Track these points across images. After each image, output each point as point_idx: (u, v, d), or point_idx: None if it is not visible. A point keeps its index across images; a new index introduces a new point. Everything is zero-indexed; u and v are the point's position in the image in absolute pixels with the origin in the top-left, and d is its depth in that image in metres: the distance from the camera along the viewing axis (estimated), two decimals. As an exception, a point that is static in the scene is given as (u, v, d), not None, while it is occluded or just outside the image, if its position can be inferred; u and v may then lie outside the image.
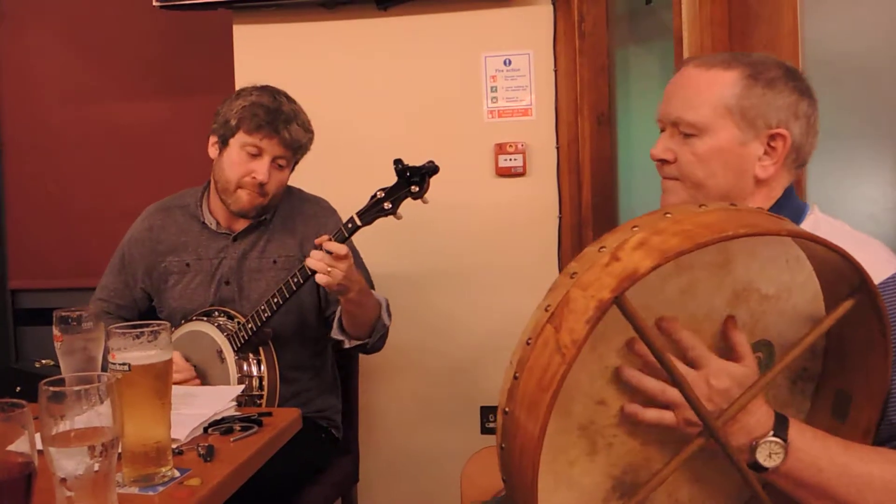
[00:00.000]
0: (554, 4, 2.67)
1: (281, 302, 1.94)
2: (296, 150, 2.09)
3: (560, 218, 2.72)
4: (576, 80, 2.66)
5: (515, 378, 0.91)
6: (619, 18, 2.75)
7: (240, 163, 2.05)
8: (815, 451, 0.99)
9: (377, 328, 2.06)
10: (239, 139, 2.05)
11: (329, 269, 1.82)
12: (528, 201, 2.73)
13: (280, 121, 2.03)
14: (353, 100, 2.77)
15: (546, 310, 0.90)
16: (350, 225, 1.89)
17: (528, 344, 0.90)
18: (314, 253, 1.85)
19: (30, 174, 3.37)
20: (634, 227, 0.92)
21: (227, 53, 2.81)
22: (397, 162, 1.86)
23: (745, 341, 0.98)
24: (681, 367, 0.95)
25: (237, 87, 2.76)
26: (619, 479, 1.00)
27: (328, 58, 2.78)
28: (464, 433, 2.76)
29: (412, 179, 1.84)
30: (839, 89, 1.78)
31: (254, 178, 2.03)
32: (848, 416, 1.05)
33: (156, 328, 1.27)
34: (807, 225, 1.26)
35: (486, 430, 2.76)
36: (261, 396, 1.98)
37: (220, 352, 2.00)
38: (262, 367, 2.00)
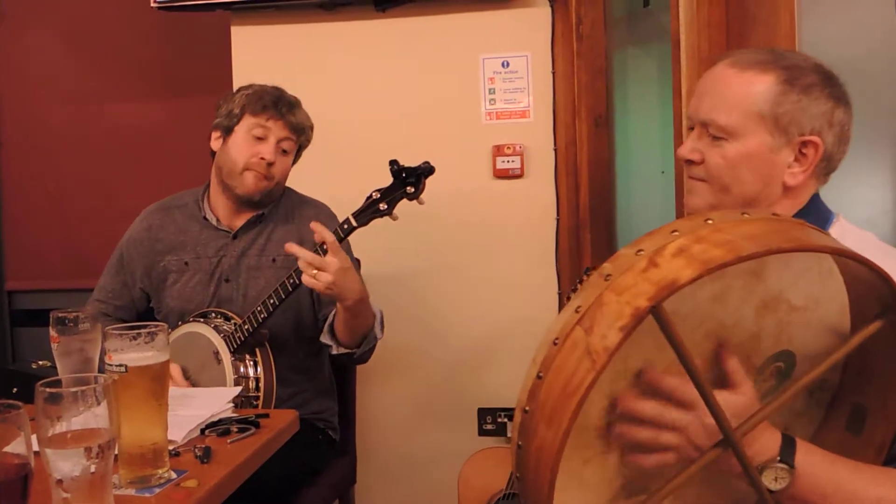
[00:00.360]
0: (552, 6, 2.67)
1: (277, 303, 1.93)
2: (299, 133, 2.12)
3: (558, 220, 2.72)
4: (574, 82, 2.67)
5: (539, 378, 0.88)
6: (617, 21, 2.76)
7: (246, 146, 2.08)
8: (823, 476, 0.97)
9: (367, 339, 2.04)
10: (245, 124, 2.09)
11: (315, 272, 1.81)
12: (526, 203, 2.73)
13: (284, 103, 2.09)
14: (352, 101, 2.77)
15: (577, 311, 0.86)
16: (346, 226, 1.88)
17: (554, 344, 0.87)
18: (304, 254, 1.84)
19: (28, 174, 3.36)
20: (674, 231, 0.88)
21: (226, 55, 2.81)
22: (393, 163, 1.85)
23: (739, 368, 0.95)
24: (675, 413, 0.93)
25: (235, 88, 2.78)
26: (629, 479, 0.99)
27: (326, 59, 2.78)
28: (461, 435, 2.76)
29: (408, 180, 1.84)
30: (836, 92, 1.78)
31: (262, 158, 2.06)
32: (863, 432, 1.03)
33: (153, 329, 1.27)
34: (833, 232, 1.22)
35: (483, 432, 2.76)
36: (257, 398, 1.97)
37: (217, 353, 2.00)
38: (259, 369, 2.00)
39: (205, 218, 2.18)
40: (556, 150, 2.71)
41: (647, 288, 0.82)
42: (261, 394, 1.98)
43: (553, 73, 2.70)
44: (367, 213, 1.87)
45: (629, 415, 0.94)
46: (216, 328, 2.03)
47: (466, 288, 2.76)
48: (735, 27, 1.93)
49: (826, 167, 1.26)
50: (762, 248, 0.84)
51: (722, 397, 0.92)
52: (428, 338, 2.78)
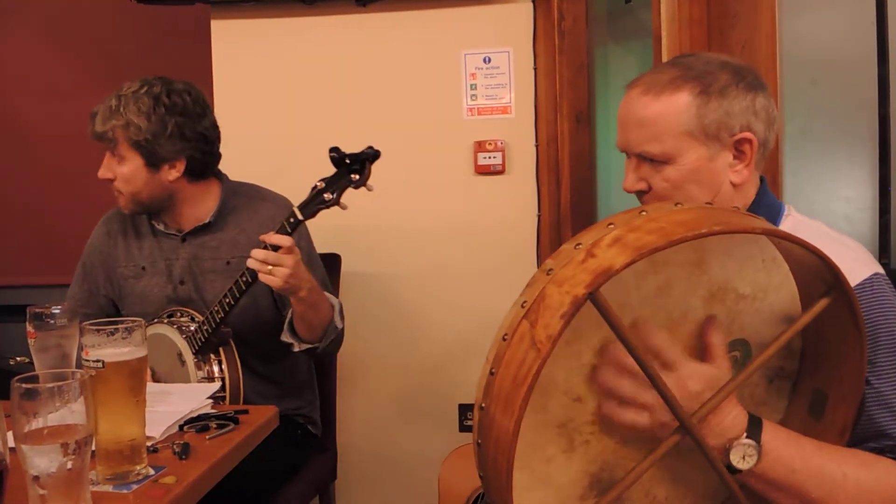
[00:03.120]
0: (534, 2, 2.68)
1: (233, 302, 1.90)
2: (105, 139, 2.03)
3: (539, 216, 2.73)
4: (555, 79, 2.67)
5: (492, 374, 0.91)
6: (599, 17, 2.76)
7: None
8: (789, 453, 1.00)
9: (328, 331, 2.02)
10: None
11: (270, 268, 1.78)
12: (507, 199, 2.73)
13: (91, 119, 2.06)
14: (331, 96, 2.76)
15: (522, 306, 0.91)
16: (292, 220, 1.82)
17: (504, 340, 0.91)
18: (255, 252, 1.81)
19: (5, 170, 3.33)
20: (610, 224, 0.92)
21: (206, 49, 2.79)
22: (333, 150, 1.80)
23: (721, 342, 0.98)
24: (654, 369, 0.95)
25: (215, 82, 2.77)
26: (596, 477, 1.01)
27: (306, 54, 2.76)
28: (442, 431, 2.76)
29: (352, 167, 1.78)
30: (816, 89, 1.79)
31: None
32: (824, 416, 1.06)
33: (130, 325, 1.26)
34: (785, 225, 1.27)
35: (464, 428, 2.77)
36: (223, 397, 1.96)
37: (180, 354, 1.99)
38: (223, 367, 1.97)
39: (151, 223, 2.16)
40: (537, 146, 2.71)
41: (585, 277, 0.86)
42: (226, 393, 1.96)
43: (535, 69, 2.70)
44: (313, 204, 1.81)
45: (607, 387, 0.96)
46: (180, 328, 2.01)
47: (447, 283, 2.76)
48: (716, 24, 1.94)
49: (763, 152, 1.30)
50: (692, 232, 0.87)
51: (701, 369, 0.97)
52: (409, 333, 2.78)
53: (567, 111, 2.65)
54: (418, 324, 2.78)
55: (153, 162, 2.01)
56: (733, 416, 0.98)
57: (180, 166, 2.03)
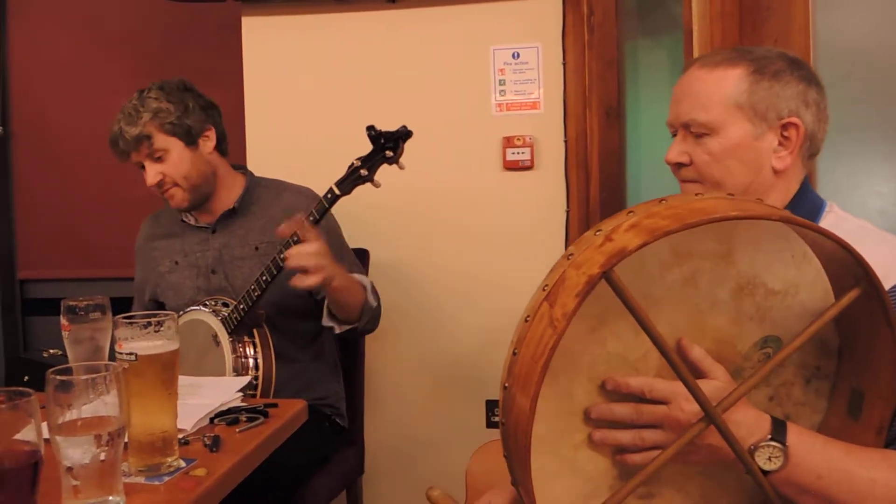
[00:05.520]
0: (563, -3, 2.66)
1: (269, 279, 1.95)
2: (145, 140, 2.08)
3: (567, 212, 2.71)
4: (584, 74, 2.65)
5: (514, 354, 0.94)
6: (629, 11, 2.74)
7: (145, 180, 2.15)
8: (815, 457, 0.98)
9: (364, 310, 2.10)
10: None
11: (313, 264, 1.85)
12: (536, 195, 2.72)
13: (114, 141, 2.11)
14: (361, 92, 2.76)
15: (543, 289, 0.94)
16: (329, 195, 1.91)
17: (525, 321, 0.93)
18: (290, 259, 1.87)
19: (38, 165, 3.37)
20: (630, 212, 0.94)
21: (236, 46, 2.81)
22: (370, 128, 1.89)
23: (704, 356, 0.97)
24: (652, 407, 0.96)
25: (245, 79, 2.79)
26: (624, 469, 1.00)
27: (336, 50, 2.77)
28: (469, 426, 2.76)
29: (386, 145, 1.87)
30: (850, 84, 1.77)
31: (148, 185, 2.13)
32: (861, 415, 1.04)
33: (162, 318, 1.28)
34: (826, 222, 1.25)
35: (491, 424, 2.76)
36: (256, 378, 2.00)
37: (216, 336, 2.03)
38: (257, 349, 2.02)
39: (183, 220, 2.26)
40: (566, 141, 2.70)
41: (600, 258, 0.88)
42: (259, 373, 2.01)
43: (564, 64, 2.68)
44: (350, 180, 1.91)
45: (605, 419, 0.97)
46: (214, 312, 2.06)
47: (475, 279, 2.76)
48: (748, 17, 1.92)
49: (810, 147, 1.29)
50: (708, 217, 0.88)
51: (707, 385, 0.95)
52: (436, 328, 2.78)
53: (596, 106, 2.63)
54: (446, 319, 2.78)
55: (191, 139, 2.13)
56: (754, 418, 0.97)
57: (212, 135, 2.17)
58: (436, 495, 1.63)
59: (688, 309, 0.97)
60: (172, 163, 2.11)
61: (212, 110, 2.20)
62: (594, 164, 2.65)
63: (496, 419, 2.76)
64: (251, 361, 2.01)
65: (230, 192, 2.22)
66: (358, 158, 1.91)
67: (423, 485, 2.88)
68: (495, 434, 2.68)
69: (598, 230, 0.93)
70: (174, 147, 2.10)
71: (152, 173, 2.10)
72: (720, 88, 1.27)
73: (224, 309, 2.06)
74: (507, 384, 0.94)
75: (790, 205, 1.28)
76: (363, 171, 1.89)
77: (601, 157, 2.64)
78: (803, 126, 1.25)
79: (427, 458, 2.81)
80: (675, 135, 1.35)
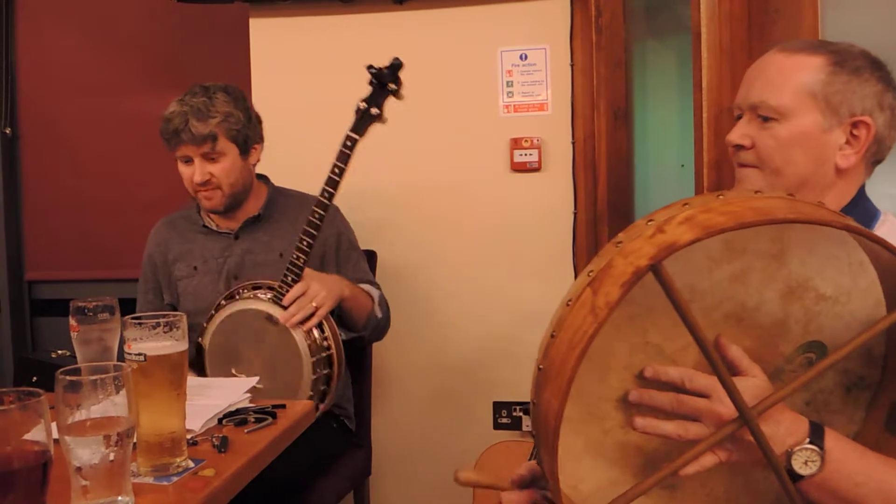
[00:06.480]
0: (571, -1, 2.66)
1: (311, 242, 1.99)
2: (211, 140, 2.08)
3: (575, 214, 2.71)
4: (592, 75, 2.65)
5: (552, 336, 0.92)
6: (637, 13, 2.73)
7: (183, 172, 2.15)
8: (853, 464, 0.95)
9: (370, 321, 2.14)
10: (174, 154, 2.15)
11: (310, 309, 1.93)
12: (544, 196, 2.72)
13: (175, 129, 2.07)
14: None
15: (588, 275, 0.91)
16: (348, 142, 1.98)
17: (567, 305, 0.91)
18: (292, 304, 1.94)
19: (47, 167, 3.38)
20: (685, 204, 0.92)
21: (244, 47, 2.82)
22: (370, 67, 1.98)
23: (742, 355, 0.95)
24: (694, 399, 0.93)
25: (253, 80, 2.79)
26: (651, 458, 0.99)
27: (344, 51, 2.77)
28: (476, 428, 2.76)
29: (389, 78, 1.98)
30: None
31: (193, 181, 2.13)
32: None
33: (171, 319, 1.28)
34: (881, 231, 1.22)
35: (498, 426, 2.76)
36: (329, 348, 1.99)
37: (271, 317, 1.99)
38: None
39: (205, 226, 2.25)
40: (574, 143, 2.70)
41: (650, 250, 0.86)
42: (328, 333, 2.00)
43: (571, 66, 2.68)
44: (362, 122, 1.99)
45: (645, 404, 0.95)
46: (256, 298, 2.02)
47: (483, 281, 2.75)
48: (757, 19, 1.91)
49: (877, 152, 1.26)
50: (764, 217, 0.86)
51: (740, 384, 0.92)
52: (444, 331, 2.78)
53: (604, 108, 2.63)
54: (453, 321, 2.78)
55: (245, 149, 2.16)
56: (790, 421, 0.94)
57: (260, 148, 2.23)
58: (465, 476, 1.63)
59: (732, 306, 0.95)
60: (224, 167, 2.12)
61: (260, 124, 2.23)
62: (602, 166, 2.65)
63: (503, 421, 2.76)
64: (316, 331, 1.99)
65: (256, 201, 2.24)
66: (362, 100, 2.00)
67: (430, 486, 2.89)
68: (502, 436, 2.69)
69: (651, 220, 0.91)
70: (231, 153, 2.12)
71: (202, 171, 2.10)
72: (797, 74, 1.23)
73: (259, 292, 2.02)
74: (541, 366, 0.93)
75: (846, 208, 1.25)
76: (373, 110, 1.97)
77: (609, 158, 2.63)
78: (874, 127, 1.22)
79: (434, 460, 2.81)
80: (739, 117, 1.31)
